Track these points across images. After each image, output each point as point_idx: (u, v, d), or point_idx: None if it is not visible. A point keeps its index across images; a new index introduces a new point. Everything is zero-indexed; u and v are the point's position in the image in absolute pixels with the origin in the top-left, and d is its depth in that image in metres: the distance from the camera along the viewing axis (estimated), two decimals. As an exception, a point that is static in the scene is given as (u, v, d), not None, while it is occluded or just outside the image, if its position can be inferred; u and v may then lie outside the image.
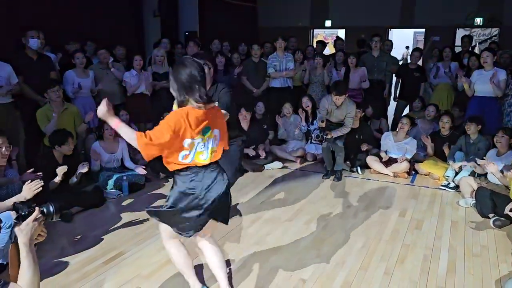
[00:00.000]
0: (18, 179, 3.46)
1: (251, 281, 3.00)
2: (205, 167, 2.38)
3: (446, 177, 5.03)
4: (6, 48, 4.94)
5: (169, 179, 5.17)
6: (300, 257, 3.36)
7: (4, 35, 5.59)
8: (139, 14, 10.25)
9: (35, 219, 1.87)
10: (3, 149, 3.09)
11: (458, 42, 9.98)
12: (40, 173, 3.48)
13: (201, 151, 2.34)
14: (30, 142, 5.00)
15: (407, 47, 11.92)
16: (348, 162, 5.60)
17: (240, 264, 3.22)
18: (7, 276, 1.96)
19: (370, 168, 5.52)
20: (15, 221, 1.86)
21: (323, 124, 5.06)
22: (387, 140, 5.52)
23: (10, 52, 4.98)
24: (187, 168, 2.35)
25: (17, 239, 1.86)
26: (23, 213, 1.87)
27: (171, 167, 2.35)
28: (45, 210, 1.94)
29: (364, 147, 5.66)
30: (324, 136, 5.00)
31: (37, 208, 1.90)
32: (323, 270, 3.16)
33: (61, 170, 3.96)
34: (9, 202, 2.99)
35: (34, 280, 1.82)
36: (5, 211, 2.96)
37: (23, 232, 1.83)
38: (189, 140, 2.27)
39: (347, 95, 5.08)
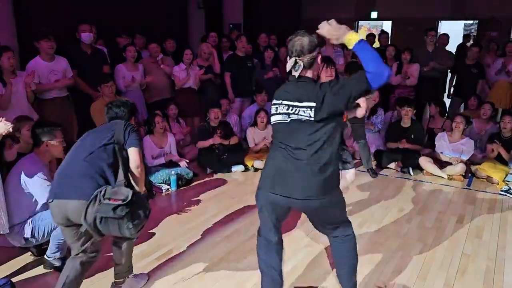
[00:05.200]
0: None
1: (302, 283, 2.93)
2: None
3: (507, 182, 4.75)
4: (62, 42, 5.04)
5: (215, 174, 5.18)
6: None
7: (61, 29, 5.72)
8: (184, 7, 10.29)
9: None
10: (63, 142, 3.18)
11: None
12: None
13: None
14: (83, 134, 5.11)
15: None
16: (399, 162, 5.39)
17: (292, 266, 3.15)
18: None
19: (423, 170, 5.29)
20: None
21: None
22: (442, 141, 5.26)
23: (66, 46, 5.09)
24: None
25: None
26: None
27: None
28: None
29: (401, 145, 5.33)
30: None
31: None
32: (379, 277, 3.05)
33: None
34: None
35: None
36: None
37: None
38: None
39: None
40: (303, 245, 3.51)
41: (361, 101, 2.85)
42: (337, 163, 2.38)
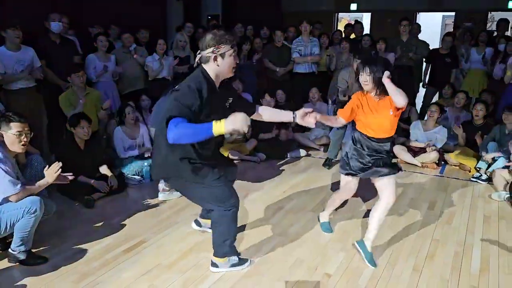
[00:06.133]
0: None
1: (274, 274, 2.91)
2: None
3: (478, 169, 4.82)
4: (31, 31, 4.90)
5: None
6: (325, 250, 3.25)
7: (29, 18, 5.56)
8: (163, -3, 10.13)
9: None
10: (23, 136, 3.03)
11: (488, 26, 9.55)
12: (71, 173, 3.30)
13: None
14: (52, 127, 5.00)
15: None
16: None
17: (262, 256, 3.13)
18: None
19: (397, 158, 5.33)
20: None
21: (346, 98, 4.73)
22: (416, 130, 5.31)
23: (34, 36, 4.95)
24: None
25: None
26: None
27: None
28: None
29: None
30: None
31: None
32: (349, 265, 3.05)
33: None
34: (33, 189, 2.97)
35: None
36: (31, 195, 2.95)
37: None
38: None
39: None
40: (276, 233, 3.49)
41: None
42: (181, 153, 2.53)
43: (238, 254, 2.98)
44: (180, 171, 2.59)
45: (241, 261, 2.95)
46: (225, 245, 2.83)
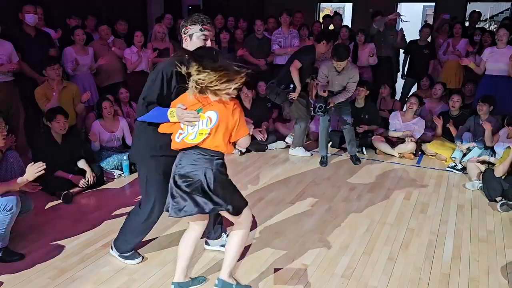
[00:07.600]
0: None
1: (252, 265, 2.96)
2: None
3: (453, 159, 4.93)
4: (5, 24, 4.79)
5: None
6: (302, 241, 3.30)
7: (3, 10, 5.44)
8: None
9: None
10: (2, 130, 3.01)
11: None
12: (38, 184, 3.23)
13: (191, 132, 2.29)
14: (30, 121, 4.92)
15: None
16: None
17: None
18: None
19: (376, 149, 5.41)
20: None
21: (325, 94, 4.75)
22: (395, 120, 5.39)
23: (8, 29, 4.84)
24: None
25: None
26: None
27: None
28: None
29: (360, 129, 5.42)
30: (327, 107, 4.71)
31: None
32: (325, 255, 3.11)
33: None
34: (11, 185, 2.93)
35: None
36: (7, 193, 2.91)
37: None
38: None
39: (349, 59, 4.78)
40: (255, 225, 3.53)
41: None
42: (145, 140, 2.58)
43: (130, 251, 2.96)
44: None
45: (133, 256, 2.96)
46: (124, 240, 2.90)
